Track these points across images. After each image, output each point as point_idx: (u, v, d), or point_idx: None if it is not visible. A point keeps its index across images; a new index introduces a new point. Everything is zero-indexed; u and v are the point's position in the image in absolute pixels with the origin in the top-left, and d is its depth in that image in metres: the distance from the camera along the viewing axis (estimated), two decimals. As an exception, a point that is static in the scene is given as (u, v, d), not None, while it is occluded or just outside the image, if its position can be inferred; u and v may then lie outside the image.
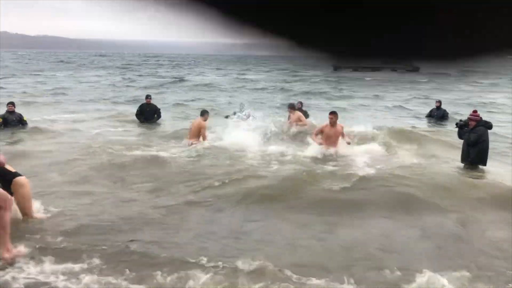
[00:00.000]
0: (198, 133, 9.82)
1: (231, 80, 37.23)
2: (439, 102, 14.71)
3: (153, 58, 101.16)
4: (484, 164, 8.19)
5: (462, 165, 8.36)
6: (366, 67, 50.76)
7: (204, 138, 9.73)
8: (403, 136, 10.84)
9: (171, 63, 73.70)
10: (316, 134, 9.28)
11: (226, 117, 12.99)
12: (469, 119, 8.39)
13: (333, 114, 9.23)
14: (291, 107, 11.76)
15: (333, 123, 9.13)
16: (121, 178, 7.15)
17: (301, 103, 13.50)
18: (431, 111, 14.77)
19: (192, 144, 9.51)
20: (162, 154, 8.81)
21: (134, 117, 13.25)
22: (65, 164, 7.87)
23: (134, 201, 6.07)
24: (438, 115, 14.27)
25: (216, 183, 6.77)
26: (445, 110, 14.42)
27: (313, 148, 9.10)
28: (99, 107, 17.54)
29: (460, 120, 8.66)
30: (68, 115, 14.75)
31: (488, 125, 8.20)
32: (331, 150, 8.97)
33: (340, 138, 9.20)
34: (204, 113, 10.16)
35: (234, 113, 13.39)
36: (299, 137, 10.42)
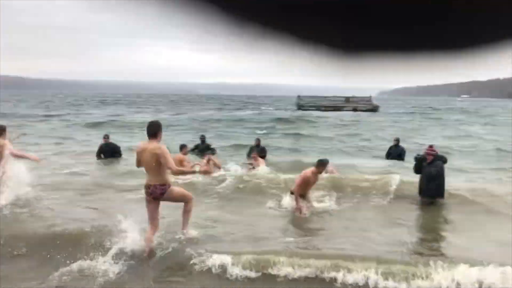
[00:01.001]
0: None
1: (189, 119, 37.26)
2: (397, 139, 15.28)
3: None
4: (443, 197, 8.45)
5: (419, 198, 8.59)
6: (328, 106, 52.30)
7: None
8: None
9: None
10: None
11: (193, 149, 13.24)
12: (426, 153, 8.60)
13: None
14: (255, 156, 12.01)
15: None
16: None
17: (258, 139, 13.77)
18: (389, 148, 15.24)
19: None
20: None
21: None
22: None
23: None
24: (396, 153, 14.76)
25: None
26: (403, 148, 14.95)
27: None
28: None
29: (418, 155, 8.89)
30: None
31: (444, 159, 8.54)
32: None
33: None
34: (182, 147, 10.54)
35: (196, 147, 13.57)
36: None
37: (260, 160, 11.82)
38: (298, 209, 7.74)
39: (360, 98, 55.27)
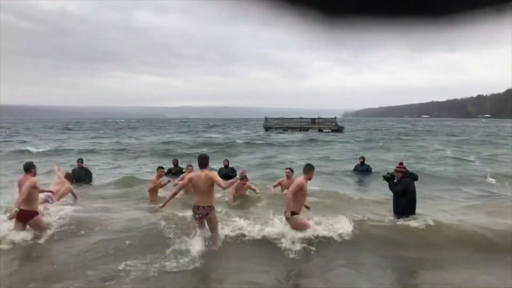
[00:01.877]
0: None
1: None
2: (363, 158, 15.72)
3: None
4: (413, 213, 8.28)
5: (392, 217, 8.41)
6: (295, 127, 53.16)
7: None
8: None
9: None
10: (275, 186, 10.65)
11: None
12: (395, 171, 8.59)
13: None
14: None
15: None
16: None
17: (227, 160, 13.94)
18: (356, 166, 15.67)
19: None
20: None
21: None
22: None
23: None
24: (362, 170, 15.18)
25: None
26: (368, 165, 15.39)
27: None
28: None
29: (388, 173, 8.79)
30: None
31: (414, 176, 8.41)
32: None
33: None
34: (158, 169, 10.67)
35: (169, 171, 13.45)
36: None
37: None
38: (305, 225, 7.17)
39: (325, 119, 56.37)
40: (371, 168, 15.34)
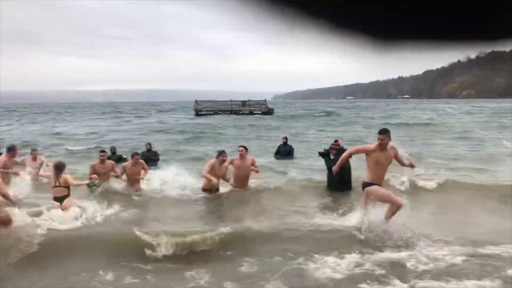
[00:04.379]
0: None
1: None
2: (285, 138, 16.23)
3: None
4: (349, 189, 8.68)
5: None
6: (226, 110, 53.42)
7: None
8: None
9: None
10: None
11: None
12: (330, 148, 8.88)
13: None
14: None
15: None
16: None
17: (149, 144, 14.27)
18: (278, 147, 16.29)
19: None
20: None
21: None
22: None
23: None
24: (285, 151, 15.83)
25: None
26: (291, 146, 16.12)
27: None
28: None
29: (324, 150, 9.04)
30: None
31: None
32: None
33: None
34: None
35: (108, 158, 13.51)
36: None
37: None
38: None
39: (256, 102, 57.05)
40: (293, 149, 15.77)
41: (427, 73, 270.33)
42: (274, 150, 16.27)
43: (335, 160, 8.25)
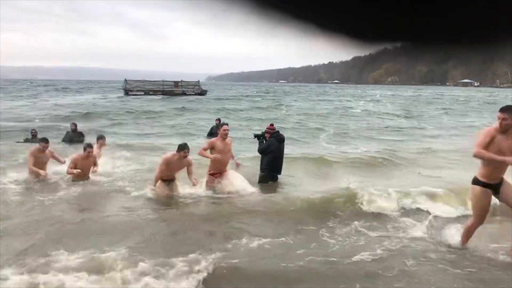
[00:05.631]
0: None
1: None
2: (219, 120, 16.04)
3: None
4: (278, 173, 8.76)
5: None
6: (157, 90, 51.81)
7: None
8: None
9: None
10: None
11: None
12: (265, 131, 8.90)
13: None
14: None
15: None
16: None
17: (74, 124, 13.33)
18: (211, 128, 15.97)
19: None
20: None
21: None
22: None
23: None
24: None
25: None
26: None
27: None
28: None
29: (262, 132, 9.03)
30: None
31: (279, 138, 8.72)
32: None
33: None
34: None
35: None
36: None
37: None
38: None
39: (188, 83, 56.07)
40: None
41: (355, 59, 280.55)
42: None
43: (265, 143, 8.63)
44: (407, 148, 13.92)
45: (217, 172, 8.10)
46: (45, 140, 8.77)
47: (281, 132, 9.08)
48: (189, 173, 7.74)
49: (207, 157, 7.98)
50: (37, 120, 22.35)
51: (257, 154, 8.99)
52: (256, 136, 9.06)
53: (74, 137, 12.91)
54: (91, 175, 8.80)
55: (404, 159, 11.80)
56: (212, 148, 8.00)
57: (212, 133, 15.45)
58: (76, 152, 9.50)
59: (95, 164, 8.89)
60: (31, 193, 7.70)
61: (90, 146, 8.89)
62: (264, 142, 8.77)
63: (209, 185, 8.02)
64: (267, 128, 8.97)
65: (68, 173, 8.46)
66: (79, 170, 8.40)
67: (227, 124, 8.50)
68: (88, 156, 8.66)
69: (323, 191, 7.86)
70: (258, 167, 8.86)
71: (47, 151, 8.69)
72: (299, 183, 9.15)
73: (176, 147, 7.74)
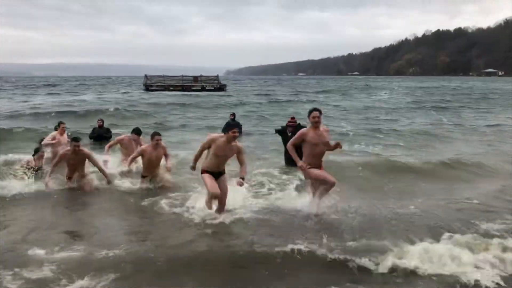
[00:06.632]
0: None
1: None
2: (233, 114, 15.79)
3: None
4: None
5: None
6: (177, 85, 52.15)
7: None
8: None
9: None
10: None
11: None
12: (287, 125, 8.85)
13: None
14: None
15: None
16: None
17: (102, 120, 13.78)
18: (226, 123, 16.15)
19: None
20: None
21: None
22: None
23: None
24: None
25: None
26: (238, 122, 16.02)
27: None
28: None
29: (281, 127, 9.01)
30: None
31: None
32: None
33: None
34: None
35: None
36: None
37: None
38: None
39: (207, 78, 56.18)
40: (241, 125, 15.39)
41: (375, 50, 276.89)
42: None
43: (292, 137, 8.44)
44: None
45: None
46: (76, 139, 7.67)
47: None
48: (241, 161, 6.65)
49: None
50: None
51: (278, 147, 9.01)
52: (277, 131, 9.16)
53: (102, 133, 13.23)
54: (164, 173, 7.63)
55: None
56: (209, 147, 6.96)
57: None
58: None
59: (166, 156, 7.68)
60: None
61: (158, 134, 7.72)
62: (288, 136, 8.58)
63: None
64: (288, 122, 8.99)
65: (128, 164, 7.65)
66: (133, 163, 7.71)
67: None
68: (156, 145, 7.53)
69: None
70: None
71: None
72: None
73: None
